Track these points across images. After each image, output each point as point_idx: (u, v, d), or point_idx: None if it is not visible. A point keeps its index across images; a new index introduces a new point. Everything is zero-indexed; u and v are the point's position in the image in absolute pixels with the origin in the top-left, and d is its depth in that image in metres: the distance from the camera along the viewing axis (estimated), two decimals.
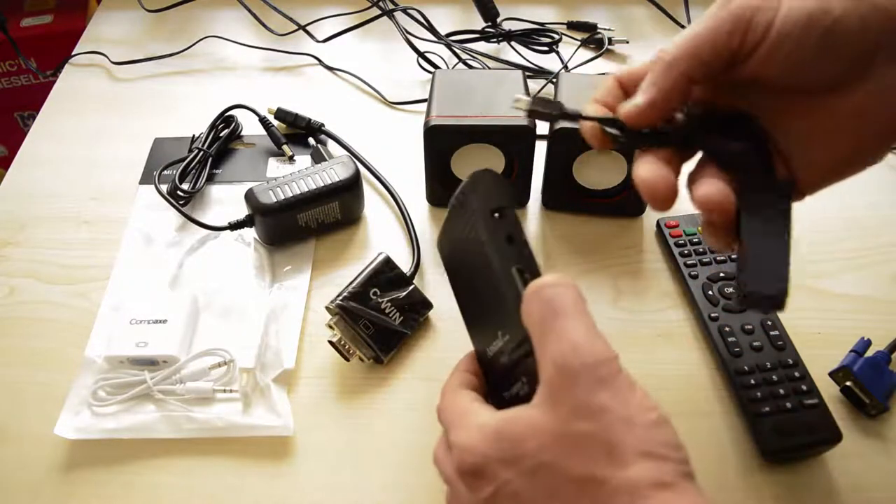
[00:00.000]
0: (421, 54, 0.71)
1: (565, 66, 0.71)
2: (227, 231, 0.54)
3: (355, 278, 0.48)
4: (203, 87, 0.71)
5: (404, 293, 0.49)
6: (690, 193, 0.34)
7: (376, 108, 0.69)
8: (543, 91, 0.68)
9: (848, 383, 0.44)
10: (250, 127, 0.64)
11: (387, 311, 0.48)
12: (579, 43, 0.74)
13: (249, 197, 0.53)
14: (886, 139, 0.32)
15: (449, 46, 0.72)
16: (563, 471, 0.27)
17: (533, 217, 0.57)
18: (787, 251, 0.32)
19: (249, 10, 0.76)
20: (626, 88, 0.36)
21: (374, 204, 0.59)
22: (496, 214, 0.34)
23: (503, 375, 0.34)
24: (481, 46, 0.74)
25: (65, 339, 0.49)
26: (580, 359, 0.28)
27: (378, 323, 0.47)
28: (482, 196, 0.34)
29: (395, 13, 0.73)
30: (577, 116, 0.35)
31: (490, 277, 0.33)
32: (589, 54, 0.73)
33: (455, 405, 0.33)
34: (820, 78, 0.31)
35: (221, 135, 0.62)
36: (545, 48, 0.73)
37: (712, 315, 0.48)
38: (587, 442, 0.27)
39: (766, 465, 0.42)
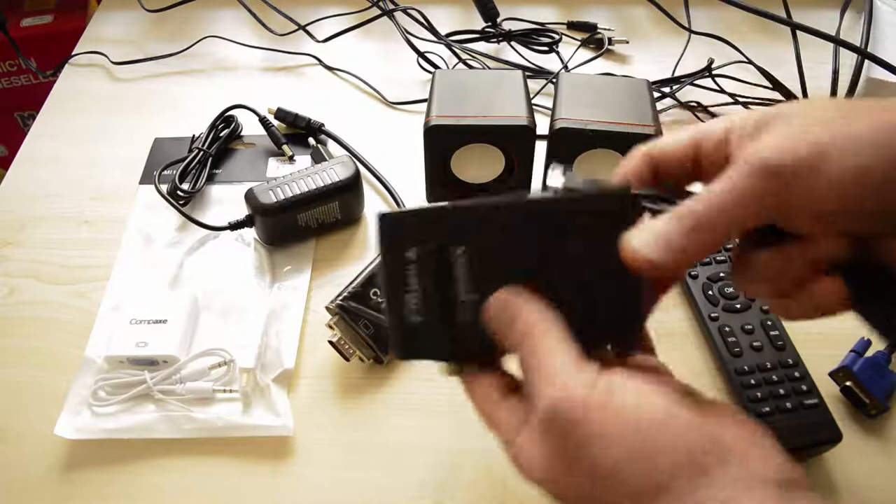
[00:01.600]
0: (421, 54, 0.71)
1: (565, 66, 0.71)
2: (227, 231, 0.54)
3: (355, 278, 0.48)
4: (203, 87, 0.71)
5: None
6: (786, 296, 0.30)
7: (376, 108, 0.69)
8: (544, 91, 0.68)
9: (848, 383, 0.44)
10: (250, 127, 0.64)
11: None
12: (579, 43, 0.74)
13: (249, 197, 0.53)
14: None
15: (449, 46, 0.72)
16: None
17: None
18: None
19: (249, 10, 0.76)
20: (660, 171, 0.32)
21: (374, 204, 0.59)
22: None
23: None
24: (481, 46, 0.74)
25: (65, 339, 0.49)
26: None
27: (378, 323, 0.47)
28: None
29: (395, 13, 0.73)
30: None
31: None
32: (589, 54, 0.73)
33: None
34: (867, 231, 0.28)
35: (221, 135, 0.62)
36: (545, 48, 0.73)
37: (712, 315, 0.48)
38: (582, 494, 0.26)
39: None
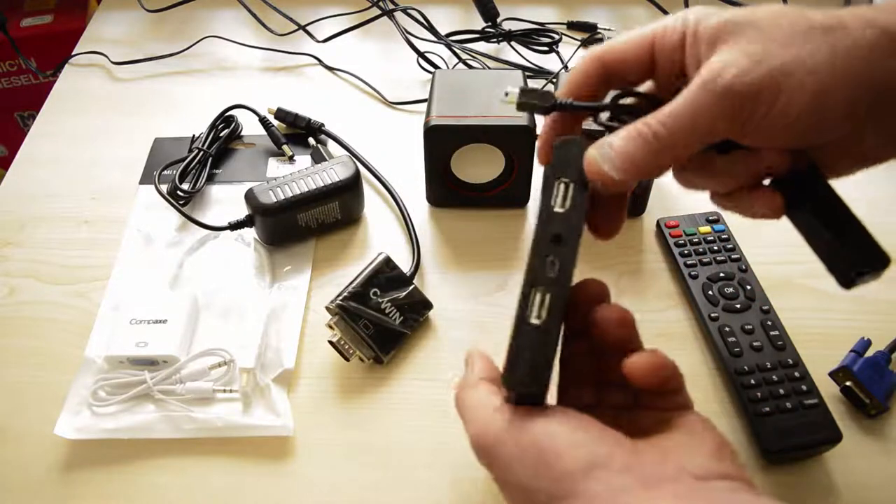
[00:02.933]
0: (421, 54, 0.71)
1: (565, 66, 0.71)
2: (227, 231, 0.54)
3: (355, 278, 0.48)
4: (203, 87, 0.71)
5: (404, 293, 0.49)
6: (727, 203, 0.33)
7: (376, 108, 0.69)
8: None
9: (848, 383, 0.44)
10: (250, 127, 0.64)
11: (387, 311, 0.48)
12: (579, 43, 0.74)
13: (249, 197, 0.53)
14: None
15: (449, 46, 0.72)
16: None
17: (532, 217, 0.57)
18: (857, 222, 0.31)
19: (249, 10, 0.76)
20: (611, 72, 0.33)
21: (374, 204, 0.59)
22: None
23: None
24: (481, 46, 0.74)
25: (65, 339, 0.49)
26: None
27: (378, 323, 0.47)
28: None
29: (395, 13, 0.73)
30: (569, 106, 0.33)
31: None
32: None
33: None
34: (806, 145, 0.30)
35: (221, 135, 0.62)
36: (545, 48, 0.73)
37: (712, 315, 0.48)
38: None
39: (767, 465, 0.42)
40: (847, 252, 0.30)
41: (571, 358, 0.34)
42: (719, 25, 0.30)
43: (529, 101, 0.34)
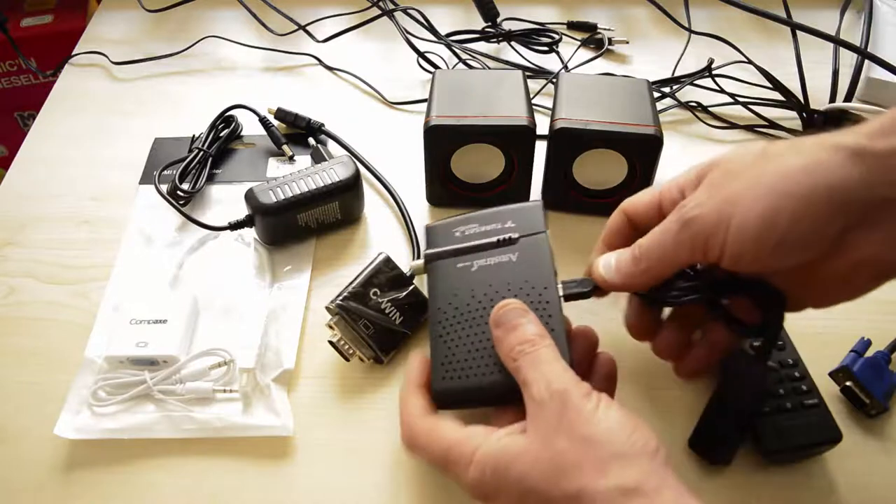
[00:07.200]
0: (421, 54, 0.71)
1: (565, 67, 0.71)
2: (227, 231, 0.54)
3: (355, 278, 0.48)
4: (203, 87, 0.71)
5: (404, 293, 0.49)
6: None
7: (376, 108, 0.69)
8: (544, 91, 0.68)
9: (848, 383, 0.44)
10: (250, 127, 0.64)
11: (387, 311, 0.48)
12: (579, 43, 0.74)
13: (249, 197, 0.53)
14: (879, 283, 0.34)
15: (449, 46, 0.72)
16: (546, 491, 0.31)
17: None
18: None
19: (249, 10, 0.76)
20: (636, 223, 0.40)
21: (374, 204, 0.59)
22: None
23: None
24: (481, 46, 0.74)
25: (65, 339, 0.49)
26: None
27: (378, 323, 0.47)
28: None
29: (395, 13, 0.74)
30: (609, 288, 0.40)
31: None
32: (589, 54, 0.73)
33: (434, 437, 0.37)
34: (788, 265, 0.33)
35: (221, 135, 0.62)
36: (545, 48, 0.73)
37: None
38: (562, 459, 0.31)
39: (767, 465, 0.42)
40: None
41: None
42: (702, 168, 0.35)
43: (574, 291, 0.40)
